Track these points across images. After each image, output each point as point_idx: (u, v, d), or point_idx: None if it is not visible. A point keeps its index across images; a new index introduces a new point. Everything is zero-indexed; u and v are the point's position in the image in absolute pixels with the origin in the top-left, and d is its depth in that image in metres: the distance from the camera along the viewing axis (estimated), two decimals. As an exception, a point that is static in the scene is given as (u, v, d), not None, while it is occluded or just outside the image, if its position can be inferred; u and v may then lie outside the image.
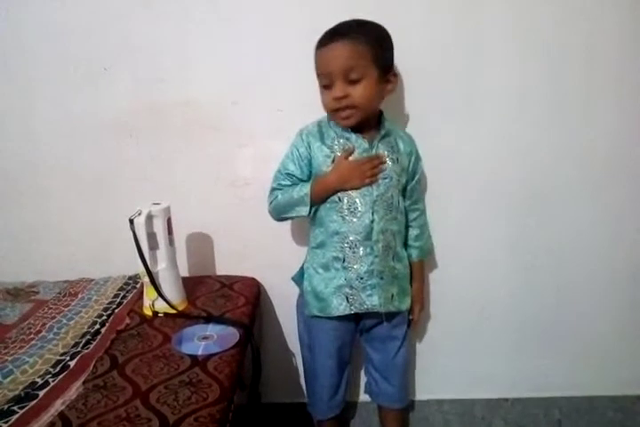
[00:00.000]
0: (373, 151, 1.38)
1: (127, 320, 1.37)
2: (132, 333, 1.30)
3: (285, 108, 1.56)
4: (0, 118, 1.63)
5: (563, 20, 1.50)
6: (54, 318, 1.40)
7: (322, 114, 1.42)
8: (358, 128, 1.38)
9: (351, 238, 1.38)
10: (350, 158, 1.37)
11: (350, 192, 1.37)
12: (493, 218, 1.68)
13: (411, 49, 1.45)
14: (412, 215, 1.52)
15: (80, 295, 1.54)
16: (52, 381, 1.11)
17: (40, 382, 1.11)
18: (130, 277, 1.64)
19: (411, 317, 1.56)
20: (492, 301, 1.75)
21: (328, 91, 1.32)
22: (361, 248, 1.38)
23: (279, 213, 1.46)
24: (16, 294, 1.57)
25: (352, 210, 1.37)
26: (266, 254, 1.69)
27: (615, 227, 1.69)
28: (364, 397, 1.76)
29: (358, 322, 1.51)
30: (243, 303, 1.47)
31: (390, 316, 1.46)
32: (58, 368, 1.16)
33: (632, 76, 1.55)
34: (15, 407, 1.02)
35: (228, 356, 1.19)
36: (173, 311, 1.38)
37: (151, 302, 1.38)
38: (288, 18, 1.51)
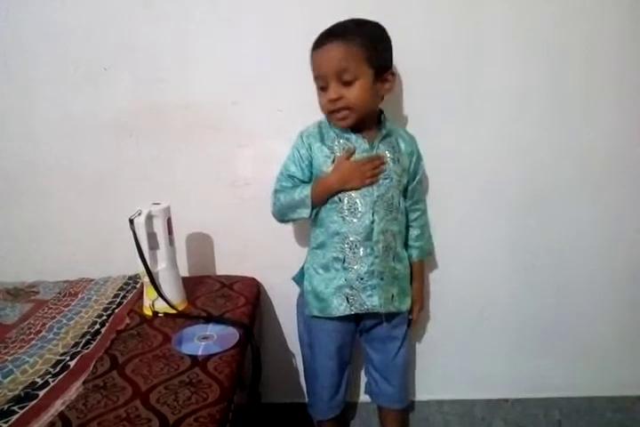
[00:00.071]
0: (374, 152, 1.38)
1: (127, 320, 1.37)
2: (131, 333, 1.30)
3: (285, 108, 1.56)
4: (0, 118, 1.62)
5: (563, 19, 1.50)
6: (54, 318, 1.40)
7: (321, 114, 1.42)
8: (358, 128, 1.38)
9: (351, 239, 1.39)
10: (351, 159, 1.37)
11: (351, 193, 1.37)
12: (493, 218, 1.68)
13: (411, 49, 1.45)
14: (413, 215, 1.52)
15: (80, 295, 1.54)
16: (52, 381, 1.11)
17: (40, 382, 1.11)
18: (130, 277, 1.64)
19: (410, 316, 1.56)
20: (491, 301, 1.75)
21: (324, 92, 1.33)
22: (361, 249, 1.38)
23: (282, 216, 1.46)
24: (16, 293, 1.57)
25: (352, 210, 1.37)
26: (266, 254, 1.68)
27: (615, 227, 1.69)
28: (363, 397, 1.76)
29: (358, 322, 1.51)
30: (243, 303, 1.47)
31: (390, 316, 1.46)
32: (58, 368, 1.16)
33: (632, 76, 1.55)
34: (15, 407, 1.02)
35: (227, 356, 1.19)
36: (173, 311, 1.38)
37: (151, 302, 1.38)
38: (288, 18, 1.51)
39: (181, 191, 1.61)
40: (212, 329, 1.30)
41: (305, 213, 1.40)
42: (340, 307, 1.41)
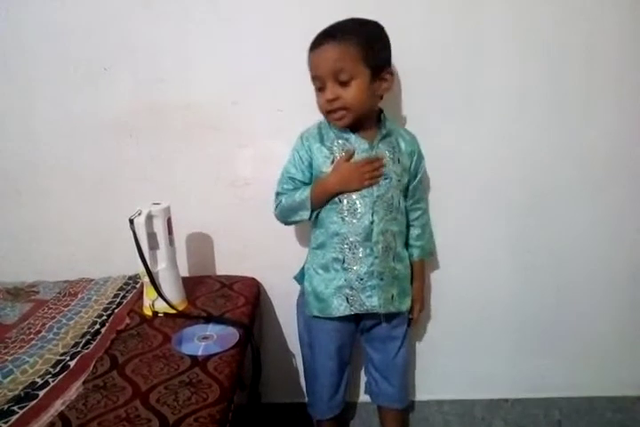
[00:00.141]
0: (374, 152, 1.38)
1: (127, 320, 1.37)
2: (131, 333, 1.30)
3: (285, 108, 1.56)
4: (0, 118, 1.62)
5: (563, 20, 1.50)
6: (54, 317, 1.40)
7: (321, 114, 1.42)
8: (358, 128, 1.38)
9: (351, 240, 1.39)
10: (351, 160, 1.37)
11: (350, 193, 1.37)
12: (493, 218, 1.68)
13: (410, 49, 1.45)
14: (414, 215, 1.52)
15: (80, 295, 1.54)
16: (52, 381, 1.11)
17: (40, 382, 1.11)
18: (130, 277, 1.64)
19: (411, 316, 1.56)
20: (492, 301, 1.75)
21: (321, 93, 1.33)
22: (360, 249, 1.38)
23: (284, 218, 1.46)
24: (16, 293, 1.57)
25: (352, 211, 1.37)
26: (266, 255, 1.68)
27: (615, 227, 1.69)
28: (363, 397, 1.76)
29: (358, 322, 1.51)
30: (243, 303, 1.47)
31: (390, 316, 1.46)
32: (58, 368, 1.16)
33: (632, 76, 1.55)
34: (15, 407, 1.02)
35: (227, 356, 1.19)
36: (173, 311, 1.38)
37: (151, 302, 1.38)
38: (288, 18, 1.51)
39: (181, 191, 1.61)
40: (212, 329, 1.30)
41: (305, 215, 1.40)
42: (339, 307, 1.41)
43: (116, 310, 1.44)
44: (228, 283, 1.60)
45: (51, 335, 1.31)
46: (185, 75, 1.56)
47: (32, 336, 1.31)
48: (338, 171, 1.36)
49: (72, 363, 1.18)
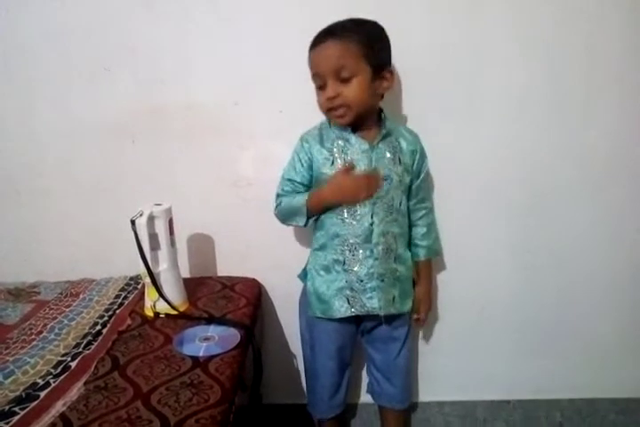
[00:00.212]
0: (374, 152, 1.37)
1: (128, 321, 1.37)
2: (133, 334, 1.30)
3: (286, 108, 1.56)
4: (0, 118, 1.62)
5: (563, 20, 1.50)
6: (55, 318, 1.41)
7: (322, 115, 1.42)
8: (358, 128, 1.38)
9: (351, 241, 1.39)
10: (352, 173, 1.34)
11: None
12: (493, 218, 1.68)
13: (410, 49, 1.45)
14: (419, 214, 1.51)
15: (81, 296, 1.54)
16: (53, 382, 1.11)
17: (41, 382, 1.11)
18: (131, 278, 1.64)
19: (416, 316, 1.56)
20: (492, 301, 1.75)
21: (322, 91, 1.33)
22: (360, 251, 1.39)
23: (283, 220, 1.47)
24: (17, 294, 1.57)
25: (352, 213, 1.38)
26: (267, 255, 1.69)
27: (615, 227, 1.69)
28: (364, 398, 1.77)
29: (359, 323, 1.51)
30: (244, 304, 1.47)
31: (390, 318, 1.46)
32: (59, 369, 1.16)
33: (632, 76, 1.55)
34: (16, 408, 1.02)
35: (229, 357, 1.19)
36: (175, 312, 1.38)
37: (152, 303, 1.38)
38: (288, 18, 1.51)
39: (183, 192, 1.61)
40: (214, 330, 1.30)
41: (301, 221, 1.40)
42: (340, 309, 1.42)
43: (117, 311, 1.44)
44: (230, 284, 1.60)
45: (52, 336, 1.31)
46: (185, 75, 1.56)
47: (33, 337, 1.31)
48: (335, 183, 1.34)
49: (73, 364, 1.18)
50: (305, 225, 1.41)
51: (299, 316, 1.60)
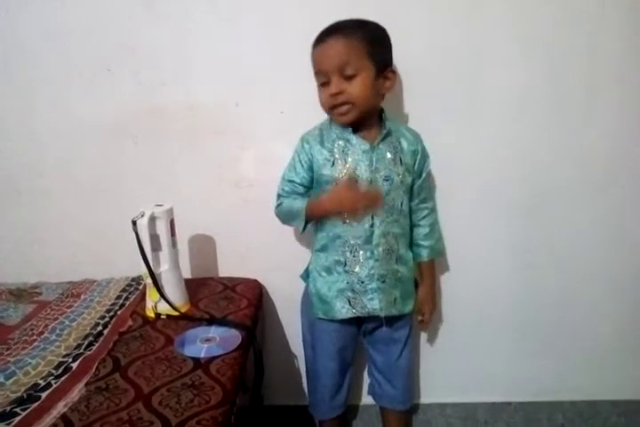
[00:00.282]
0: (374, 153, 1.37)
1: (130, 322, 1.37)
2: (134, 335, 1.30)
3: (287, 109, 1.56)
4: (0, 118, 1.62)
5: (563, 20, 1.50)
6: (57, 319, 1.41)
7: (323, 115, 1.42)
8: (359, 128, 1.38)
9: (351, 242, 1.39)
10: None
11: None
12: (494, 218, 1.68)
13: (411, 49, 1.45)
14: (421, 214, 1.51)
15: (83, 297, 1.54)
16: (55, 382, 1.11)
17: (42, 383, 1.11)
18: (132, 279, 1.64)
19: (420, 318, 1.56)
20: (492, 302, 1.75)
21: (325, 88, 1.32)
22: (361, 252, 1.39)
23: (283, 221, 1.48)
24: (19, 294, 1.57)
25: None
26: (269, 256, 1.68)
27: (615, 227, 1.69)
28: (366, 399, 1.77)
29: (360, 325, 1.51)
30: (245, 305, 1.47)
31: (391, 319, 1.46)
32: (60, 370, 1.16)
33: (632, 76, 1.55)
34: (17, 409, 1.02)
35: (230, 358, 1.19)
36: (176, 313, 1.38)
37: (154, 304, 1.38)
38: (288, 18, 1.51)
39: (184, 193, 1.61)
40: (215, 331, 1.30)
41: (300, 224, 1.40)
42: (342, 310, 1.42)
43: (118, 312, 1.44)
44: (231, 285, 1.60)
45: (53, 337, 1.31)
46: (186, 75, 1.56)
47: (34, 338, 1.31)
48: (335, 194, 1.33)
49: (74, 365, 1.18)
50: (303, 230, 1.41)
51: (300, 316, 1.60)
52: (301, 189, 1.44)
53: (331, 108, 1.34)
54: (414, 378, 1.78)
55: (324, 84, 1.32)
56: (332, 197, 1.34)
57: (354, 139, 1.37)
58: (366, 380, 1.70)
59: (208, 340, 1.26)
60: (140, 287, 1.58)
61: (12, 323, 1.40)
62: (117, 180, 1.65)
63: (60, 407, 1.03)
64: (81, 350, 1.24)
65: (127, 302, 1.50)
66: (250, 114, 1.57)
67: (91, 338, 1.30)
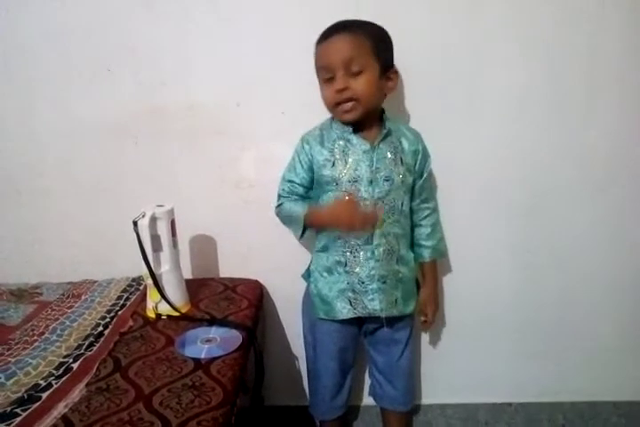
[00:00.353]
0: (375, 153, 1.37)
1: (130, 322, 1.37)
2: (135, 335, 1.30)
3: (288, 109, 1.56)
4: (0, 118, 1.62)
5: (563, 20, 1.50)
6: (57, 319, 1.40)
7: (324, 116, 1.42)
8: (359, 128, 1.38)
9: (352, 243, 1.39)
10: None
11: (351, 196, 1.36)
12: (493, 218, 1.68)
13: (411, 49, 1.45)
14: (422, 214, 1.50)
15: (83, 297, 1.54)
16: (55, 383, 1.11)
17: (43, 384, 1.11)
18: (133, 279, 1.64)
19: (423, 319, 1.57)
20: (493, 303, 1.75)
21: (329, 84, 1.32)
22: (361, 252, 1.39)
23: (283, 223, 1.48)
24: (20, 295, 1.57)
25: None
26: (269, 257, 1.68)
27: (615, 227, 1.69)
28: (367, 400, 1.77)
29: (361, 325, 1.51)
30: (246, 306, 1.47)
31: (392, 320, 1.46)
32: (61, 370, 1.16)
33: (633, 76, 1.55)
34: (18, 410, 1.02)
35: (231, 359, 1.19)
36: (176, 314, 1.38)
37: (154, 305, 1.38)
38: (288, 18, 1.51)
39: (184, 193, 1.61)
40: (215, 332, 1.30)
41: (298, 231, 1.42)
42: (343, 310, 1.42)
43: (119, 313, 1.44)
44: (232, 285, 1.60)
45: (54, 337, 1.31)
46: (186, 75, 1.56)
47: (35, 338, 1.31)
48: (333, 210, 1.33)
49: (75, 365, 1.18)
50: (300, 237, 1.43)
51: (301, 317, 1.60)
52: (301, 190, 1.45)
53: (335, 105, 1.34)
54: (415, 379, 1.78)
55: (328, 80, 1.32)
56: (330, 212, 1.34)
57: (354, 139, 1.37)
58: (367, 381, 1.70)
59: (209, 340, 1.26)
60: (141, 288, 1.57)
61: (12, 323, 1.40)
62: (117, 180, 1.65)
63: (61, 408, 1.03)
64: (82, 351, 1.24)
65: (128, 303, 1.50)
66: (250, 114, 1.57)
67: (91, 338, 1.30)
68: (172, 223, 1.38)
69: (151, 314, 1.39)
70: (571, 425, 1.82)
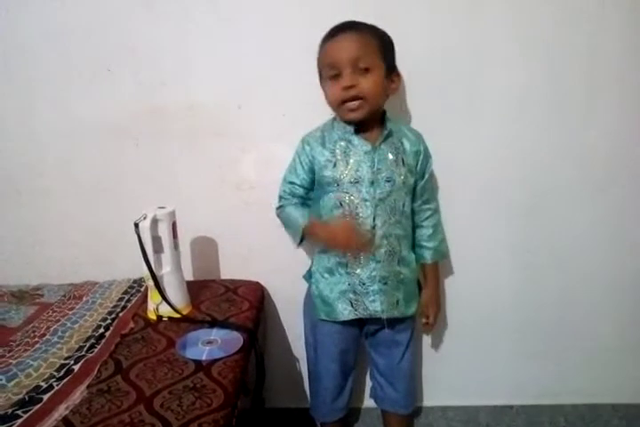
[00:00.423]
0: (376, 153, 1.36)
1: (131, 324, 1.37)
2: (136, 337, 1.30)
3: (288, 111, 1.56)
4: (0, 118, 1.62)
5: (563, 20, 1.50)
6: (59, 321, 1.41)
7: (325, 117, 1.42)
8: (361, 129, 1.37)
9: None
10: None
11: (352, 197, 1.36)
12: (493, 218, 1.68)
13: (411, 49, 1.45)
14: (424, 215, 1.50)
15: (84, 298, 1.54)
16: (56, 385, 1.12)
17: (44, 385, 1.11)
18: (134, 281, 1.64)
19: (425, 320, 1.56)
20: (493, 304, 1.75)
21: (336, 82, 1.31)
22: (362, 253, 1.38)
23: (283, 225, 1.49)
24: (21, 296, 1.57)
25: (354, 215, 1.37)
26: (270, 258, 1.68)
27: (615, 227, 1.69)
28: (368, 402, 1.77)
29: (362, 327, 1.51)
30: (247, 308, 1.47)
31: (393, 322, 1.45)
32: (62, 372, 1.16)
33: (633, 76, 1.55)
34: (19, 411, 1.02)
35: (231, 361, 1.19)
36: (177, 315, 1.38)
37: (155, 306, 1.38)
38: (288, 18, 1.50)
39: (184, 194, 1.61)
40: (217, 334, 1.31)
41: (295, 238, 1.42)
42: (344, 311, 1.42)
43: (120, 314, 1.44)
44: (233, 287, 1.60)
45: (55, 339, 1.31)
46: (186, 75, 1.56)
47: (36, 340, 1.31)
48: (332, 229, 1.34)
49: (76, 367, 1.18)
50: (298, 246, 1.44)
51: (303, 317, 1.60)
52: (301, 191, 1.45)
53: (341, 103, 1.33)
54: (416, 381, 1.78)
55: (333, 77, 1.31)
56: (329, 231, 1.35)
57: (356, 139, 1.37)
58: (368, 383, 1.70)
59: (210, 342, 1.26)
60: (142, 289, 1.57)
61: (14, 325, 1.40)
62: (118, 180, 1.64)
63: (62, 410, 1.03)
64: (83, 353, 1.24)
65: (129, 305, 1.50)
66: (250, 115, 1.57)
67: (92, 340, 1.30)
68: (174, 225, 1.38)
69: (152, 316, 1.39)
70: (572, 427, 1.83)
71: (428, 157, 1.47)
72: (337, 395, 1.57)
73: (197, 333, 1.31)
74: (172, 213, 1.37)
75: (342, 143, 1.38)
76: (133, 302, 1.52)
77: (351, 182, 1.36)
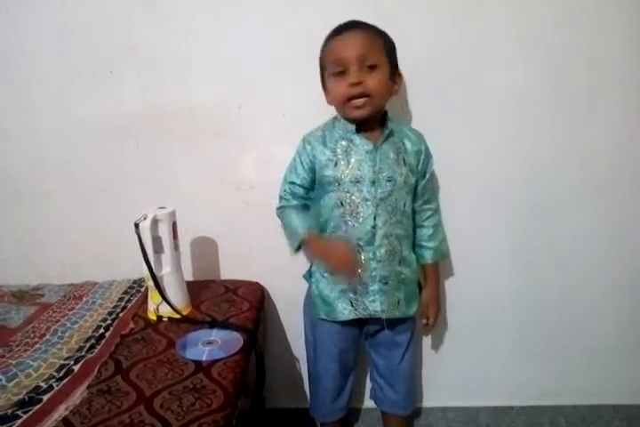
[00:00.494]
0: (378, 153, 1.36)
1: (131, 325, 1.37)
2: (136, 337, 1.30)
3: (289, 111, 1.56)
4: (0, 119, 1.62)
5: (563, 20, 1.50)
6: (59, 321, 1.41)
7: (325, 117, 1.42)
8: (362, 128, 1.37)
9: (354, 244, 1.38)
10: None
11: (353, 197, 1.36)
12: (494, 218, 1.68)
13: (411, 49, 1.44)
14: (425, 215, 1.50)
15: (85, 299, 1.54)
16: (56, 385, 1.12)
17: (44, 386, 1.11)
18: (134, 281, 1.64)
19: (425, 321, 1.56)
20: (494, 305, 1.75)
21: (341, 79, 1.30)
22: (363, 253, 1.38)
23: (283, 227, 1.49)
24: (21, 296, 1.57)
25: (354, 215, 1.37)
26: (270, 259, 1.68)
27: (616, 227, 1.69)
28: (368, 403, 1.77)
29: (362, 327, 1.51)
30: (247, 308, 1.47)
31: (393, 322, 1.45)
32: (62, 373, 1.16)
33: (634, 76, 1.55)
34: (19, 412, 1.02)
35: (232, 361, 1.19)
36: (178, 316, 1.38)
37: (155, 307, 1.38)
38: (288, 18, 1.50)
39: (185, 195, 1.61)
40: (217, 334, 1.30)
41: (293, 245, 1.42)
42: (344, 311, 1.42)
43: (120, 314, 1.44)
44: (233, 287, 1.60)
45: (55, 339, 1.31)
46: (186, 76, 1.56)
47: (36, 340, 1.31)
48: (330, 248, 1.34)
49: (76, 367, 1.18)
50: (294, 252, 1.44)
51: (303, 317, 1.59)
52: (301, 191, 1.45)
53: (346, 100, 1.32)
54: (416, 382, 1.78)
55: (339, 73, 1.30)
56: (326, 248, 1.35)
57: (357, 139, 1.37)
58: (369, 383, 1.70)
59: (210, 343, 1.26)
60: (142, 290, 1.57)
61: (14, 325, 1.40)
62: (118, 180, 1.64)
63: (62, 410, 1.03)
64: (83, 353, 1.24)
65: (129, 305, 1.50)
66: (250, 115, 1.57)
67: (93, 340, 1.30)
68: (174, 225, 1.38)
69: (152, 316, 1.39)
70: (572, 428, 1.82)
71: (429, 156, 1.47)
72: (337, 395, 1.56)
73: (197, 333, 1.31)
74: (173, 214, 1.37)
75: (344, 142, 1.38)
76: (133, 302, 1.52)
77: (352, 182, 1.36)
